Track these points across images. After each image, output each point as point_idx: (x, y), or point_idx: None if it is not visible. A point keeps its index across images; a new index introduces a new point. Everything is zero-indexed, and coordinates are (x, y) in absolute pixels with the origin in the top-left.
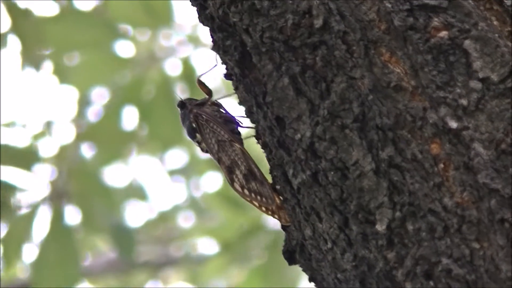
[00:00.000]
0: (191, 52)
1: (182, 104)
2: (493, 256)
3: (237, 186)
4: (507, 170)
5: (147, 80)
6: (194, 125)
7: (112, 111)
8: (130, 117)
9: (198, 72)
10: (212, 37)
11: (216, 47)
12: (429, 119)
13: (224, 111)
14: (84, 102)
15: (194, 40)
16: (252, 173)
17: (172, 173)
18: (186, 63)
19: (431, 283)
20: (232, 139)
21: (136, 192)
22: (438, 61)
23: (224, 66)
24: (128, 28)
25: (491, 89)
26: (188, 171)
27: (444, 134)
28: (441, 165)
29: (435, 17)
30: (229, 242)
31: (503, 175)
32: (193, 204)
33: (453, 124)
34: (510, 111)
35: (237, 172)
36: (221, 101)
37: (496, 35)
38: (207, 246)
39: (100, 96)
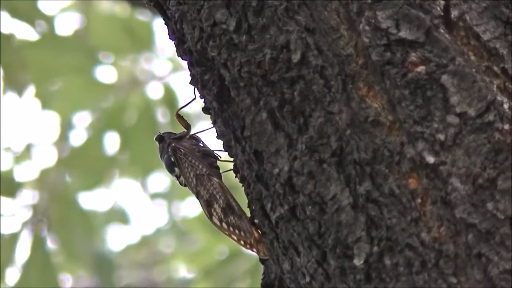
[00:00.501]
0: (172, 76)
1: (161, 138)
2: None
3: (215, 220)
4: (484, 205)
5: (129, 104)
6: (172, 159)
7: (94, 136)
8: (111, 142)
9: (179, 95)
10: (190, 71)
11: (194, 81)
12: (406, 154)
13: (202, 145)
14: (66, 126)
15: (175, 63)
16: (230, 207)
17: (153, 196)
18: (167, 87)
19: None
20: (210, 173)
21: (118, 216)
22: (415, 95)
23: (202, 100)
24: (109, 53)
25: (468, 124)
26: (169, 195)
27: (422, 169)
28: (419, 200)
29: (412, 52)
30: (210, 269)
31: (480, 210)
32: (174, 228)
33: (431, 159)
34: (487, 146)
35: (216, 206)
36: (199, 135)
37: (473, 70)
38: (189, 270)
39: (82, 119)
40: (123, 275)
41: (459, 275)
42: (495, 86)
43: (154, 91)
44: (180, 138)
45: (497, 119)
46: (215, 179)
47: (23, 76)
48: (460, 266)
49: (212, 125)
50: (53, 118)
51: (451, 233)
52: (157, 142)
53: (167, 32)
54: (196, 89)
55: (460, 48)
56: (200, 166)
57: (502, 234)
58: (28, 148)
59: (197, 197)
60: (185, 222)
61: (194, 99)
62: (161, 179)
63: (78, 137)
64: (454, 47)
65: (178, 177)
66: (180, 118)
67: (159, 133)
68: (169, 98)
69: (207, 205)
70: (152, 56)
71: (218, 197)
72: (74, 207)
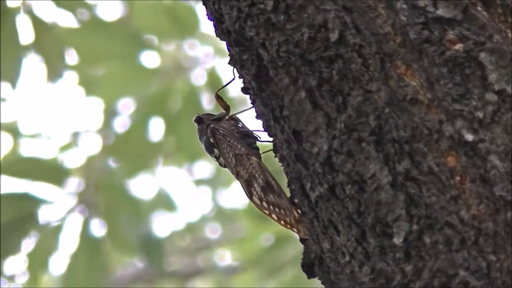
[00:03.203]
0: (217, 62)
1: (199, 120)
2: (510, 268)
3: (255, 199)
4: None
5: (173, 90)
6: (211, 140)
7: (139, 122)
8: (156, 128)
9: (224, 81)
10: (229, 51)
11: (233, 61)
12: (445, 132)
13: (241, 126)
14: (110, 113)
15: (219, 50)
16: (269, 186)
17: (198, 183)
18: (211, 73)
19: None
20: (248, 152)
21: (163, 202)
22: (453, 73)
23: (241, 80)
24: (153, 38)
25: (507, 102)
26: (214, 182)
27: (460, 147)
28: (458, 178)
29: (450, 30)
30: (256, 256)
31: None
32: (219, 214)
33: (469, 137)
34: None
35: (255, 185)
36: (238, 116)
37: (511, 47)
38: (234, 257)
39: (127, 106)
40: (169, 261)
41: (499, 253)
42: None
43: (199, 77)
44: (219, 119)
45: None
46: (253, 158)
47: (62, 63)
48: (499, 244)
49: (251, 105)
50: (97, 105)
51: (490, 211)
52: (196, 124)
53: (206, 13)
54: (235, 69)
55: (497, 25)
56: (239, 146)
57: None
58: (74, 136)
59: (237, 178)
60: (230, 210)
61: (234, 79)
62: (206, 166)
63: (122, 124)
64: (491, 25)
65: (217, 158)
66: (219, 99)
67: (197, 115)
68: (214, 83)
69: (247, 185)
70: (197, 42)
71: (257, 176)
72: (121, 193)
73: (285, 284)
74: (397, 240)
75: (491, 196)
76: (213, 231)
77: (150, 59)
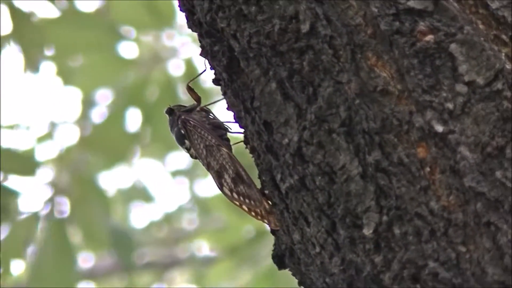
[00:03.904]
0: (194, 52)
1: (170, 111)
2: (479, 259)
3: (226, 190)
4: (493, 174)
5: (151, 81)
6: (182, 131)
7: (116, 113)
8: (133, 119)
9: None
10: (200, 42)
11: (204, 53)
12: (415, 123)
13: (212, 117)
14: (88, 104)
15: (197, 40)
16: (239, 177)
17: (175, 174)
18: (189, 63)
19: (418, 286)
20: (219, 143)
21: (140, 193)
22: (424, 65)
23: (213, 71)
24: (131, 29)
25: (477, 93)
26: (191, 173)
27: (430, 138)
28: (428, 169)
29: (421, 21)
30: (236, 247)
31: (489, 178)
32: (197, 205)
33: (439, 128)
34: (496, 114)
35: (226, 176)
36: (210, 107)
37: (482, 38)
38: (212, 247)
39: (104, 97)
40: (146, 252)
41: (468, 244)
42: (503, 54)
43: (176, 68)
44: (190, 110)
45: (506, 88)
46: (224, 149)
47: (41, 53)
48: (469, 234)
49: (222, 97)
50: (75, 96)
51: (460, 202)
52: (167, 115)
53: (178, 4)
54: (206, 60)
55: (468, 17)
56: (210, 138)
57: (511, 202)
58: (52, 126)
59: (208, 169)
60: (207, 200)
61: (205, 70)
62: (183, 157)
63: (100, 115)
64: (462, 16)
65: (188, 150)
66: (191, 90)
67: (168, 106)
68: (191, 74)
69: (218, 176)
70: (174, 33)
71: (227, 167)
72: (92, 185)
73: (260, 275)
74: (367, 231)
75: (461, 187)
76: (190, 222)
77: (128, 50)
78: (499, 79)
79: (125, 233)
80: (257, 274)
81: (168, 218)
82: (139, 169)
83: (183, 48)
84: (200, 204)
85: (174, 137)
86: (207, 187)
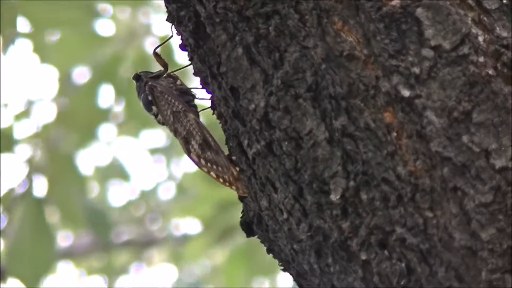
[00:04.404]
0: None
1: (138, 77)
2: (446, 225)
3: (193, 156)
4: (460, 138)
5: (125, 58)
6: (149, 97)
7: (89, 89)
8: (107, 96)
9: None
10: (166, 7)
11: (170, 18)
12: (381, 88)
13: (180, 84)
14: (65, 81)
15: None
16: (207, 143)
17: (153, 152)
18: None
19: (386, 252)
20: (186, 109)
21: (117, 172)
22: (390, 29)
23: (179, 37)
24: (107, 7)
25: (443, 57)
26: (168, 150)
27: (397, 102)
28: (394, 134)
29: None
30: (208, 219)
31: (456, 143)
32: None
33: (406, 93)
34: (462, 78)
35: (193, 142)
36: (177, 73)
37: (448, 2)
38: (189, 226)
39: (82, 75)
40: (124, 231)
41: (435, 209)
42: (469, 19)
43: (151, 45)
44: (157, 76)
45: (472, 52)
46: (191, 115)
47: (14, 31)
48: (436, 200)
49: (189, 62)
50: (52, 73)
51: (427, 167)
52: (134, 81)
53: None
54: (173, 26)
55: None
56: (176, 103)
57: (478, 167)
58: (28, 104)
59: (175, 135)
60: (184, 178)
61: (172, 36)
62: (159, 135)
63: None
64: None
65: (156, 116)
66: (158, 56)
67: (136, 72)
68: (166, 51)
69: (185, 142)
70: (150, 10)
71: (194, 133)
72: (69, 163)
73: (238, 248)
74: (334, 197)
75: (428, 152)
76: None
77: (105, 28)
78: (465, 44)
79: (102, 211)
80: (233, 251)
81: (145, 196)
82: (116, 147)
83: (158, 25)
84: (178, 183)
85: (141, 103)
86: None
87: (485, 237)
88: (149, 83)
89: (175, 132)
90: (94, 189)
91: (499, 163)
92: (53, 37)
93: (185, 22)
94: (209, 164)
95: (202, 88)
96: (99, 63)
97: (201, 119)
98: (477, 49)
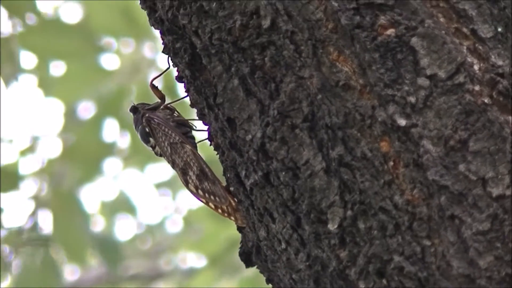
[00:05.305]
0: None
1: (135, 109)
2: (444, 253)
3: (191, 187)
4: (456, 167)
5: (130, 91)
6: (147, 129)
7: (94, 124)
8: (111, 130)
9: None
10: (162, 40)
11: (167, 50)
12: (378, 117)
13: (177, 115)
14: (71, 116)
15: None
16: (204, 173)
17: (158, 186)
18: (168, 74)
19: (384, 281)
20: (183, 140)
21: (123, 206)
22: (385, 59)
23: (176, 69)
24: (112, 41)
25: (439, 86)
26: (174, 184)
27: (393, 131)
28: (391, 163)
29: (381, 15)
30: (216, 255)
31: (452, 172)
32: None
33: (402, 122)
34: (458, 107)
35: (190, 173)
36: (174, 105)
37: (443, 32)
38: (196, 259)
39: (86, 110)
40: (131, 265)
41: (433, 238)
42: (465, 47)
43: (156, 81)
44: (154, 108)
45: (468, 81)
46: (188, 146)
47: (16, 67)
48: (433, 228)
49: (185, 94)
50: (57, 108)
51: (424, 196)
52: (131, 113)
53: (139, 2)
54: (169, 58)
55: (429, 10)
56: (173, 135)
57: (475, 195)
58: (34, 140)
59: (173, 167)
60: (190, 212)
61: (168, 68)
62: (165, 168)
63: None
64: (423, 10)
65: (153, 148)
66: (155, 88)
67: (133, 104)
68: (170, 87)
69: (183, 173)
70: (155, 45)
71: (192, 164)
72: (72, 199)
73: (246, 282)
74: (332, 227)
75: (425, 180)
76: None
77: (109, 62)
78: (460, 72)
79: (112, 241)
80: (240, 283)
81: (152, 230)
82: (122, 181)
83: (163, 59)
84: (184, 217)
85: (138, 135)
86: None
87: (483, 265)
88: (146, 115)
89: (173, 164)
90: (100, 224)
91: (496, 191)
92: (58, 71)
93: (181, 54)
94: (206, 195)
95: (198, 119)
96: (103, 97)
97: (199, 150)
98: (473, 77)
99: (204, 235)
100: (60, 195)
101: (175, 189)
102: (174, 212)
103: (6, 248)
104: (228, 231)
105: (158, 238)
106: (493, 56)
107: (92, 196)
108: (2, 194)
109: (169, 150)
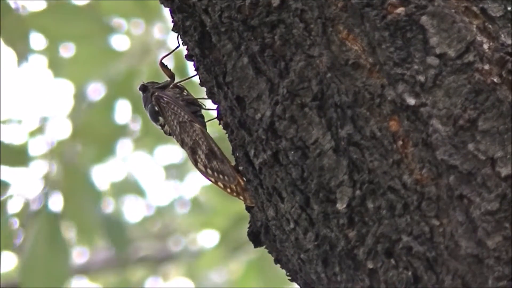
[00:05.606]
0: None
1: (144, 87)
2: (452, 233)
3: (200, 166)
4: (465, 146)
5: (140, 73)
6: (156, 108)
7: (105, 105)
8: (123, 111)
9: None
10: (172, 18)
11: (176, 28)
12: (387, 96)
13: (186, 94)
14: (80, 97)
15: None
16: (213, 152)
17: (167, 168)
18: (178, 55)
19: (392, 261)
20: (192, 119)
21: (132, 188)
22: (395, 37)
23: (185, 47)
24: (122, 22)
25: (448, 65)
26: (183, 166)
27: (402, 111)
28: (400, 142)
29: None
30: (225, 230)
31: (461, 151)
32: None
33: (411, 101)
34: (468, 86)
35: (200, 152)
36: (184, 83)
37: (453, 10)
38: (206, 239)
39: (96, 91)
40: (140, 246)
41: (441, 217)
42: (474, 26)
43: (166, 60)
44: (163, 87)
45: (477, 60)
46: (197, 125)
47: (27, 47)
48: (442, 208)
49: (195, 73)
50: (67, 89)
51: (433, 175)
52: (140, 92)
53: None
54: (179, 36)
55: None
56: (183, 114)
57: (484, 175)
58: (43, 121)
59: (182, 146)
60: (199, 194)
61: (178, 46)
62: (174, 150)
63: (91, 108)
64: None
65: (162, 126)
66: (164, 67)
67: (142, 83)
68: (180, 66)
69: (192, 152)
70: (165, 25)
71: (201, 143)
72: (84, 179)
73: (254, 261)
74: (341, 206)
75: (433, 160)
76: (182, 207)
77: (119, 43)
78: (470, 51)
79: (120, 224)
80: (248, 264)
81: (161, 212)
82: (132, 163)
83: (173, 40)
84: (193, 198)
85: (148, 114)
86: (199, 180)
87: (491, 245)
88: (156, 94)
89: (182, 143)
90: (110, 205)
91: (504, 171)
92: (68, 52)
93: (190, 32)
94: (215, 174)
95: (208, 98)
96: (113, 78)
97: (208, 129)
98: (482, 56)
99: (212, 212)
100: (71, 175)
101: (184, 171)
102: (183, 193)
103: (15, 221)
104: (237, 208)
105: (167, 220)
106: (502, 35)
107: (101, 177)
108: (11, 169)
109: (178, 129)
